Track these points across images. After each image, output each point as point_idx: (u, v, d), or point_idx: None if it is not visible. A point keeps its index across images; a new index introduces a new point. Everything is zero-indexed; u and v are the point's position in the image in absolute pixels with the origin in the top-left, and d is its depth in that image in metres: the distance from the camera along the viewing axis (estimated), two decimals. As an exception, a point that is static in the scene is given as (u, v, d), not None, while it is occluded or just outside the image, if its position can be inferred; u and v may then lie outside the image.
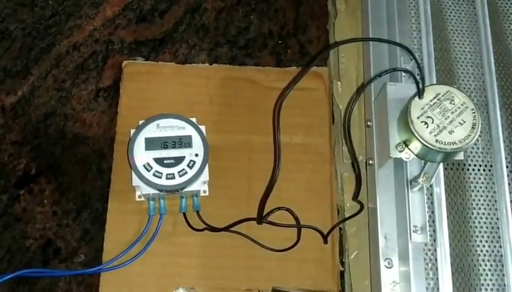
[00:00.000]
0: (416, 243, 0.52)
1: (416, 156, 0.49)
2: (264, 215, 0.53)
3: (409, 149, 0.48)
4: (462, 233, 0.56)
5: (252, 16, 0.70)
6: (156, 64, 0.66)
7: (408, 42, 0.63)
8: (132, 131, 0.57)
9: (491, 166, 0.59)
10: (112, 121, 0.63)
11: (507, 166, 0.59)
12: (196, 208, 0.59)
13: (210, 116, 0.63)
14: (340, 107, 0.62)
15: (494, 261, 0.56)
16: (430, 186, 0.55)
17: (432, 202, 0.55)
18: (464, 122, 0.47)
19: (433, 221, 0.54)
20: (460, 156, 0.49)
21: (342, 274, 0.59)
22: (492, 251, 0.56)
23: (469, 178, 0.59)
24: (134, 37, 0.67)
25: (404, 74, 0.58)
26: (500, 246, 0.56)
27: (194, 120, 0.58)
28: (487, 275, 0.55)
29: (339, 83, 0.63)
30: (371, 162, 0.55)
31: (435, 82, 0.59)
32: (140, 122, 0.57)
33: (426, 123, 0.47)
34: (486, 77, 0.62)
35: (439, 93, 0.48)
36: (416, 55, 0.62)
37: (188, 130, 0.57)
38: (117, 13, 0.68)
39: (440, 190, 0.55)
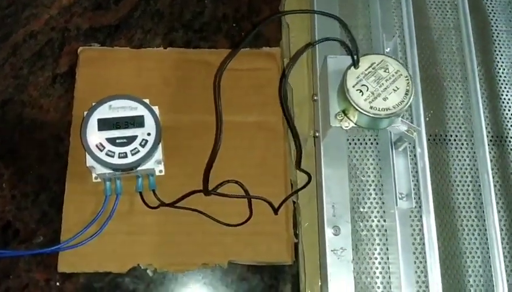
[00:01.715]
0: (402, 209, 0.54)
1: (356, 124, 0.50)
2: (213, 188, 0.54)
3: (348, 117, 0.50)
4: (446, 201, 0.58)
5: (206, 1, 0.71)
6: (111, 49, 0.67)
7: (390, 19, 0.64)
8: (86, 113, 0.58)
9: (472, 136, 0.61)
10: (68, 106, 0.64)
11: (487, 136, 0.60)
12: (152, 187, 0.61)
13: (165, 97, 0.65)
14: (292, 86, 0.64)
15: (478, 225, 0.57)
16: (415, 156, 0.57)
17: (416, 172, 0.57)
18: (398, 89, 0.49)
19: (418, 190, 0.56)
20: (398, 123, 0.51)
21: (296, 245, 0.61)
22: (475, 216, 0.58)
23: (451, 150, 0.61)
24: (89, 24, 0.68)
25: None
26: (483, 211, 0.57)
27: (147, 101, 0.60)
28: (471, 239, 0.57)
29: (291, 62, 0.65)
30: (317, 134, 0.57)
31: (416, 57, 0.61)
32: (93, 104, 0.59)
33: (361, 91, 0.49)
34: (466, 50, 0.64)
35: (374, 63, 0.50)
36: (398, 31, 0.65)
37: (141, 110, 0.59)
38: (72, 2, 0.69)
39: (424, 161, 0.57)
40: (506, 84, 0.64)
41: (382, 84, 0.49)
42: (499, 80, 0.65)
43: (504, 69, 0.65)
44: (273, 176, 0.63)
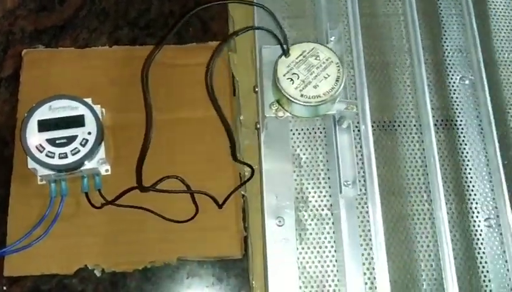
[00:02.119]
0: (348, 196, 0.54)
1: (290, 113, 0.50)
2: (153, 184, 0.54)
3: (282, 107, 0.50)
4: (395, 188, 0.58)
5: (153, -3, 0.71)
6: (56, 50, 0.66)
7: (335, 8, 0.64)
8: (26, 114, 0.58)
9: (420, 125, 0.61)
10: (13, 109, 0.63)
11: (435, 125, 0.60)
12: (98, 186, 0.60)
13: (111, 96, 0.64)
14: (237, 78, 0.63)
15: (428, 210, 0.57)
16: (361, 147, 0.57)
17: (361, 159, 0.56)
18: (329, 76, 0.48)
19: (363, 177, 0.56)
20: (333, 111, 0.50)
21: (246, 239, 0.60)
22: (426, 200, 0.58)
23: (400, 136, 0.60)
24: (34, 26, 0.68)
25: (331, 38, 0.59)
26: (431, 200, 0.57)
27: (89, 100, 0.59)
28: (421, 224, 0.57)
29: (235, 54, 0.64)
30: (258, 125, 0.56)
31: (361, 44, 0.61)
32: (33, 105, 0.58)
33: (292, 79, 0.48)
34: (411, 35, 0.63)
35: (305, 51, 0.49)
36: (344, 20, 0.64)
37: (81, 110, 0.58)
38: (17, 4, 0.69)
39: (369, 147, 0.56)
40: (456, 67, 0.64)
41: (313, 72, 0.48)
42: (448, 64, 0.64)
43: (454, 53, 0.65)
44: (221, 170, 0.62)
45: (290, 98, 0.47)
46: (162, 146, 0.62)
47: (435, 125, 0.59)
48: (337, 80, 0.48)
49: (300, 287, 0.53)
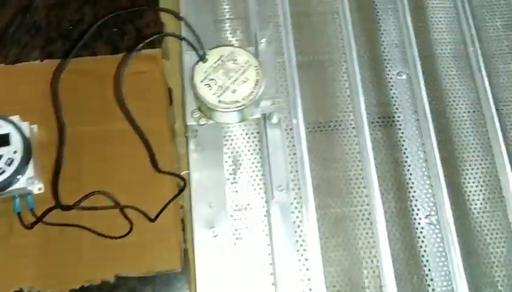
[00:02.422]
0: (281, 202, 0.52)
1: (213, 120, 0.48)
2: (78, 200, 0.52)
3: (204, 114, 0.48)
4: (334, 189, 0.56)
5: (85, 8, 0.69)
6: (-17, 68, 0.65)
7: (266, 8, 0.62)
8: (-52, 137, 0.56)
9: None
10: None
11: (372, 122, 0.59)
12: (30, 206, 0.58)
13: (42, 112, 0.63)
14: (171, 86, 0.62)
15: (366, 210, 0.56)
16: (293, 146, 0.55)
17: (295, 162, 0.55)
18: (248, 80, 0.47)
19: (298, 180, 0.54)
20: (257, 114, 0.49)
21: (186, 251, 0.58)
22: (358, 201, 0.56)
23: (337, 136, 0.59)
24: (-37, 44, 0.66)
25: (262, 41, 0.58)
26: (367, 196, 0.56)
27: (15, 117, 0.58)
28: (360, 224, 0.55)
29: (168, 62, 0.63)
30: (186, 135, 0.55)
31: (292, 45, 0.59)
32: (-44, 127, 0.56)
33: (210, 85, 0.47)
34: (344, 33, 0.62)
35: (223, 55, 0.48)
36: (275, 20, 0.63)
37: (6, 128, 0.56)
38: None
39: (302, 150, 0.55)
40: (393, 62, 0.63)
41: (231, 76, 0.47)
42: (384, 60, 0.63)
43: (390, 48, 0.64)
44: (156, 182, 0.60)
45: (209, 105, 0.46)
46: (96, 160, 0.60)
47: (372, 122, 0.58)
48: (256, 83, 0.47)
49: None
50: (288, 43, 0.58)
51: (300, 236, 0.53)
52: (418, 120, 0.58)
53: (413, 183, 0.56)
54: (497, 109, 0.59)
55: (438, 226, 0.54)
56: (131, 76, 0.65)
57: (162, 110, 0.65)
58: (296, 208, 0.54)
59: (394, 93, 0.61)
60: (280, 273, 0.50)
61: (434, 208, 0.55)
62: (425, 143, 0.57)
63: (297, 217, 0.53)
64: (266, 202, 0.54)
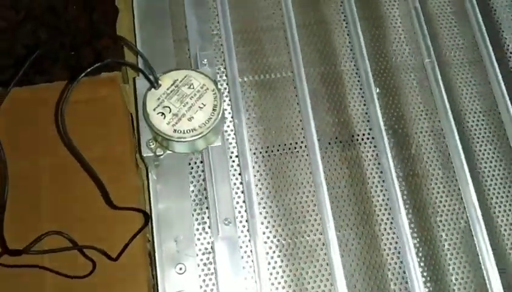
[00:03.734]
0: (227, 235, 0.48)
1: (171, 150, 0.45)
2: (30, 243, 0.48)
3: (160, 144, 0.45)
4: (290, 218, 0.52)
5: (41, 31, 0.65)
6: None
7: (208, 29, 0.58)
8: None
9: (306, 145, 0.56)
10: None
11: (330, 143, 0.55)
12: (-14, 247, 0.54)
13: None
14: (131, 111, 0.58)
15: (320, 239, 0.52)
16: (239, 174, 0.51)
17: (242, 192, 0.51)
18: (205, 105, 0.43)
19: (246, 211, 0.50)
20: (218, 142, 0.45)
21: (154, 287, 0.55)
22: (311, 230, 0.53)
23: (291, 160, 0.55)
24: None
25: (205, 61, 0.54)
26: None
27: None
28: (314, 253, 0.51)
29: (127, 85, 0.59)
30: (146, 165, 0.51)
31: (235, 66, 0.56)
32: None
33: (163, 113, 0.43)
34: (291, 49, 0.58)
35: (177, 80, 0.44)
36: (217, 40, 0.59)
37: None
38: None
39: (249, 177, 0.51)
40: (355, 83, 0.59)
41: (187, 102, 0.43)
42: (341, 76, 0.59)
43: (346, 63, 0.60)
44: (122, 217, 0.56)
45: (163, 135, 0.42)
46: (53, 192, 0.57)
47: (330, 143, 0.54)
48: (214, 109, 0.43)
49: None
50: (231, 65, 0.54)
51: (249, 272, 0.49)
52: (373, 138, 0.55)
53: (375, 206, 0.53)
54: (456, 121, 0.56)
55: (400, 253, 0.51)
56: (92, 102, 0.61)
57: (125, 138, 0.60)
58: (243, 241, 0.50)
59: (356, 113, 0.57)
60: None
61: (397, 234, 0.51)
62: (381, 162, 0.53)
63: (245, 252, 0.49)
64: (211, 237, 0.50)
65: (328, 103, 0.56)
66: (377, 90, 0.57)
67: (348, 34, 0.60)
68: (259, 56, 0.58)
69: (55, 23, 0.66)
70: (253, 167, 0.51)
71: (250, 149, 0.52)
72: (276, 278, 0.49)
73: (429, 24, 0.62)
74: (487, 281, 0.50)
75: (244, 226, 0.49)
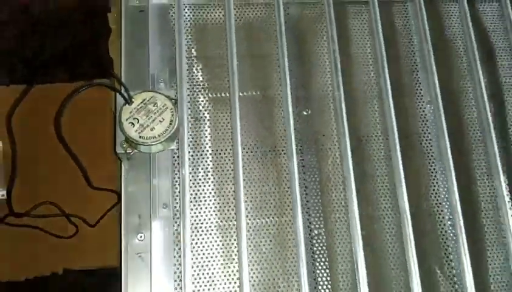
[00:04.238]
0: (164, 216, 0.64)
1: (138, 150, 0.61)
2: (29, 209, 0.64)
3: (130, 145, 0.60)
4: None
5: (47, 38, 0.81)
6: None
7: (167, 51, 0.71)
8: None
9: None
10: None
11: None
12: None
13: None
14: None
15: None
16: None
17: (179, 184, 0.66)
18: (164, 120, 0.59)
19: (180, 199, 0.65)
20: (173, 146, 0.61)
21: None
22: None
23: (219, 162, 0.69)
24: None
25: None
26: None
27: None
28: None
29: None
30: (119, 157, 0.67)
31: (184, 88, 0.68)
32: None
33: (133, 123, 0.59)
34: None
35: (146, 99, 0.60)
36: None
37: (-26, 145, 0.69)
38: None
39: (185, 171, 0.65)
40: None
41: (151, 116, 0.59)
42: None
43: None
44: (99, 195, 0.73)
45: (131, 139, 0.58)
46: (46, 175, 0.73)
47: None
48: (170, 123, 0.59)
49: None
50: (181, 87, 0.65)
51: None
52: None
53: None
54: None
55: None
56: (84, 101, 0.77)
57: (107, 133, 0.77)
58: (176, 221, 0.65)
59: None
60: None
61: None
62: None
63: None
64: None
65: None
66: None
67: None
68: (207, 79, 0.72)
69: (59, 30, 0.81)
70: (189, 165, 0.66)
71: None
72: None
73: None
74: None
75: (177, 210, 0.65)
